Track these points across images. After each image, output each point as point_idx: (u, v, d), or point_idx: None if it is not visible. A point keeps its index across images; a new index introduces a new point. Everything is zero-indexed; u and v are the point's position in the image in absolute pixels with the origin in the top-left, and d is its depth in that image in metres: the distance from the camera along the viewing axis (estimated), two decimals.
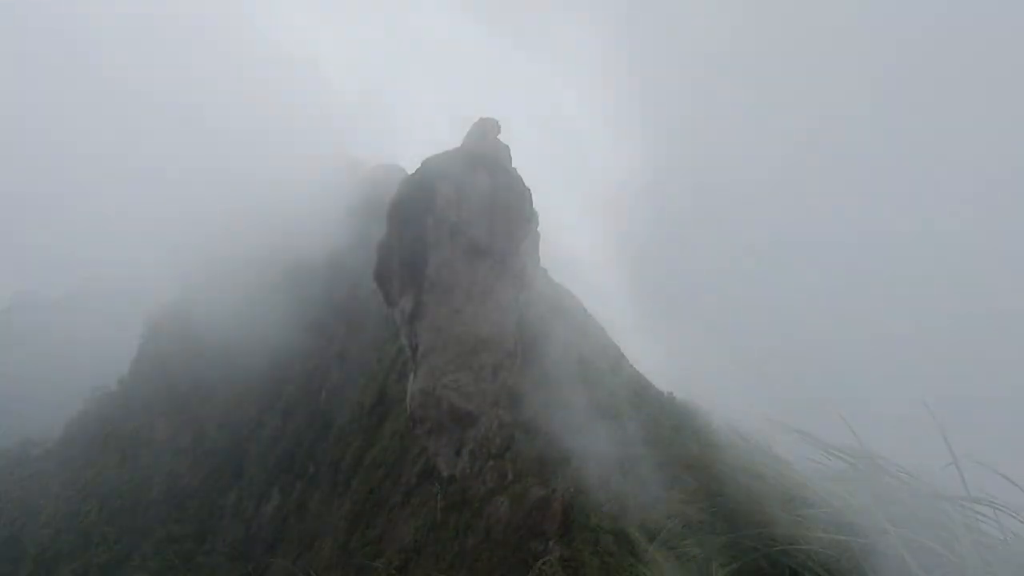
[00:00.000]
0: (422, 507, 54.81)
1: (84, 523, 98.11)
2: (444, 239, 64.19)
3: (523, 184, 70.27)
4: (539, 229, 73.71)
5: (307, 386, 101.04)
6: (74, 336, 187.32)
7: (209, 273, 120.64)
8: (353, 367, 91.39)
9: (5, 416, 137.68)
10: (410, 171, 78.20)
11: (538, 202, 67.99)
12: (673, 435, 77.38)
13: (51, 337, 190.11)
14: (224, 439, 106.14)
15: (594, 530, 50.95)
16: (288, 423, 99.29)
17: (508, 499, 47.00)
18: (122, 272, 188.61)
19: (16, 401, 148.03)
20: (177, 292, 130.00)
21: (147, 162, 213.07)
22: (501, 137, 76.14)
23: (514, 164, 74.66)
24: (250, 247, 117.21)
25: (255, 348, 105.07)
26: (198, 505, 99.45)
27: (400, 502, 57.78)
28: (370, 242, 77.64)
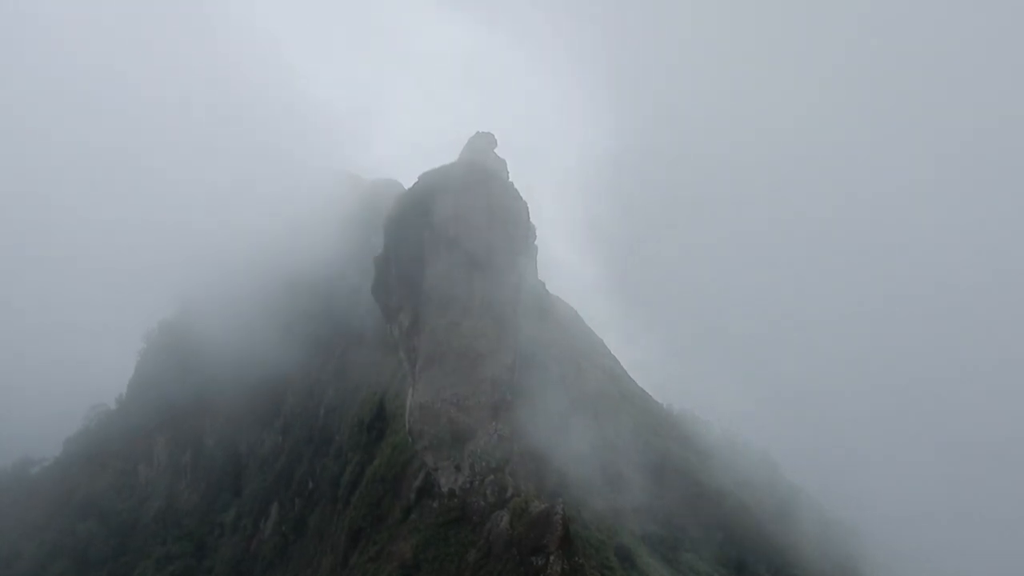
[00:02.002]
0: (422, 522, 54.64)
1: (83, 541, 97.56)
2: (442, 253, 64.29)
3: (520, 198, 70.42)
4: (536, 243, 73.90)
5: (306, 402, 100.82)
6: (73, 353, 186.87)
7: (208, 288, 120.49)
8: (352, 382, 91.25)
9: (3, 435, 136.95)
10: (407, 185, 78.37)
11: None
12: (672, 447, 77.15)
13: (49, 355, 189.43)
14: (222, 456, 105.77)
15: (595, 543, 50.82)
16: (287, 439, 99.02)
17: (508, 513, 46.81)
18: (120, 287, 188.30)
19: (14, 420, 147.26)
20: (175, 308, 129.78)
21: (147, 177, 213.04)
22: (496, 150, 76.19)
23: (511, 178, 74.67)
24: (249, 262, 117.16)
25: (254, 364, 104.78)
26: (197, 523, 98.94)
27: (400, 518, 57.59)
28: (368, 256, 77.79)
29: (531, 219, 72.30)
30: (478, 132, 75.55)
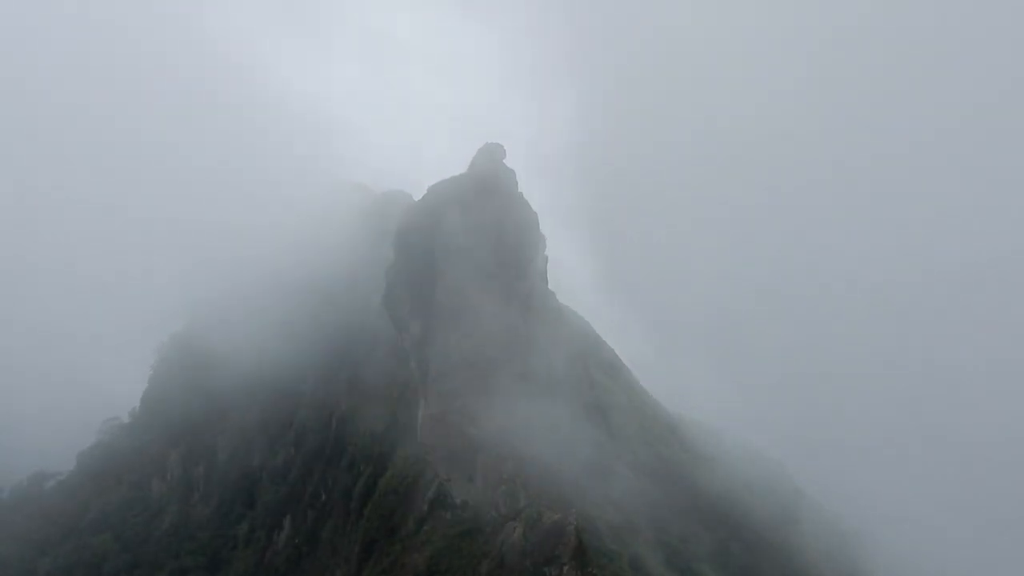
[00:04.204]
0: (435, 534, 54.61)
1: (97, 556, 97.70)
2: (452, 265, 64.55)
3: (530, 208, 70.72)
4: (546, 253, 74.03)
5: (318, 414, 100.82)
6: (86, 367, 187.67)
7: (219, 299, 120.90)
8: (363, 393, 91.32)
9: (17, 450, 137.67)
10: (417, 197, 78.76)
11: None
12: (683, 455, 76.94)
13: (62, 369, 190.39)
14: (235, 469, 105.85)
15: (608, 553, 50.68)
16: (299, 452, 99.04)
17: (521, 524, 46.78)
18: (132, 299, 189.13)
19: (28, 434, 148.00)
20: (188, 321, 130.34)
21: (155, 187, 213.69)
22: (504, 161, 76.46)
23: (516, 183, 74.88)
24: (259, 272, 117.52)
25: (265, 376, 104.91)
26: (210, 536, 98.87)
27: (413, 529, 57.58)
28: (379, 267, 78.09)
29: (540, 229, 72.54)
30: (487, 143, 75.76)
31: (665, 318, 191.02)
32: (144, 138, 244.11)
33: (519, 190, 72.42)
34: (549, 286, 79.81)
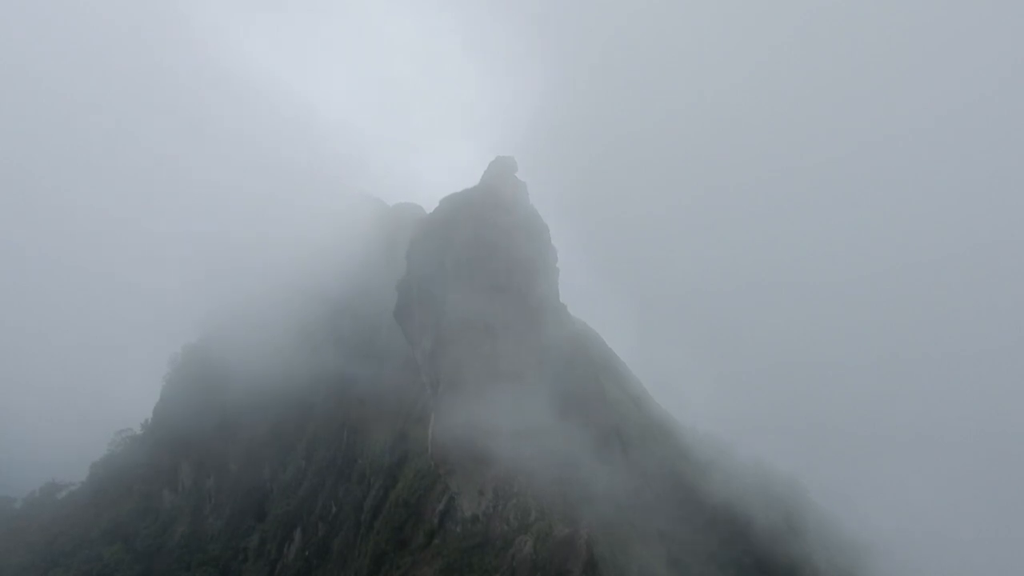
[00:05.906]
0: (446, 547, 54.41)
1: (108, 566, 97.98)
2: (463, 278, 64.58)
3: (541, 221, 70.78)
4: (557, 265, 73.93)
5: (329, 425, 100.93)
6: (99, 378, 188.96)
7: (232, 311, 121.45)
8: (374, 405, 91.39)
9: (30, 461, 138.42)
10: (428, 209, 78.99)
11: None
12: (694, 469, 76.40)
13: (76, 380, 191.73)
14: (246, 481, 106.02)
15: (618, 567, 50.29)
16: (310, 464, 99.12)
17: (532, 538, 46.59)
18: (145, 311, 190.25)
19: (42, 445, 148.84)
20: (200, 331, 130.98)
21: (167, 198, 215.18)
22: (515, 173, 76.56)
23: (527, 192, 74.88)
24: (272, 284, 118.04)
25: (277, 388, 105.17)
26: (221, 548, 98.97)
27: (423, 542, 57.41)
28: (391, 280, 78.22)
29: (552, 241, 72.51)
30: (498, 156, 76.17)
31: (647, 308, 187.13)
32: (156, 149, 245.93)
33: (530, 202, 72.62)
34: (560, 299, 79.88)
